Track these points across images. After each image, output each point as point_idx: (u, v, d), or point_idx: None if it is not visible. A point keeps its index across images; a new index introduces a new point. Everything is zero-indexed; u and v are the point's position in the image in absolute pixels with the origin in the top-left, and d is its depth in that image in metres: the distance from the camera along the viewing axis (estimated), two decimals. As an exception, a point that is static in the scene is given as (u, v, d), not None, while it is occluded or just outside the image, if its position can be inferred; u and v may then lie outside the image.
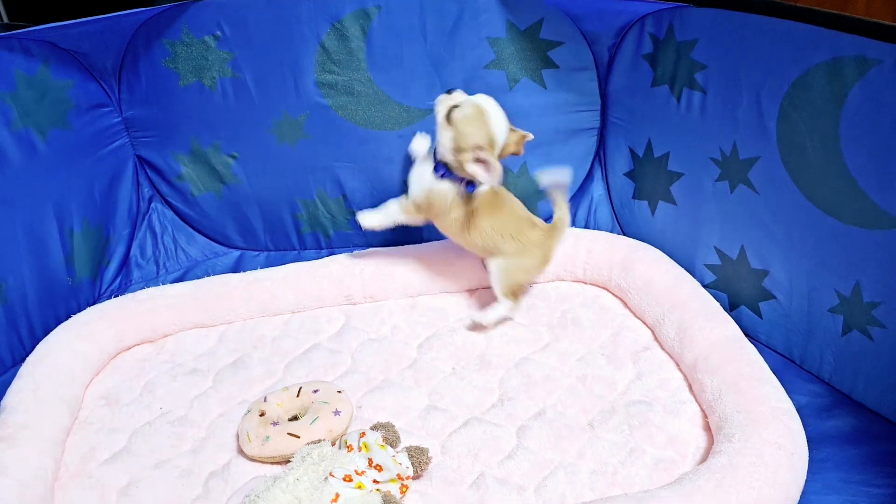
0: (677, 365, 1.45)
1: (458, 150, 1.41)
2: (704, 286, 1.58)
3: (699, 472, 1.14)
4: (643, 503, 1.10)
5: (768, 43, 1.31)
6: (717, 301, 1.52)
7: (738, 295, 1.54)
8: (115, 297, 1.72)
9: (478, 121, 1.40)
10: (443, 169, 1.46)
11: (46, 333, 1.57)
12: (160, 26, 1.66)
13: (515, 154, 1.48)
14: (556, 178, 1.53)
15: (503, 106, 1.66)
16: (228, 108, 1.73)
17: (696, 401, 1.36)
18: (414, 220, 1.56)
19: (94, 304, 1.70)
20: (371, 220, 1.57)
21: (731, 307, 1.56)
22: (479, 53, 1.66)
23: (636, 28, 1.58)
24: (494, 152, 1.41)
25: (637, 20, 1.57)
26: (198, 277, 1.77)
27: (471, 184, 1.45)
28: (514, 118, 1.69)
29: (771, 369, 1.34)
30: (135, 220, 1.88)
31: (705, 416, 1.32)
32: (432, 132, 1.69)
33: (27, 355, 1.50)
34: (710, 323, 1.44)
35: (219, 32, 1.65)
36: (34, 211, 1.61)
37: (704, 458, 1.24)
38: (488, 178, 1.38)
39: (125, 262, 1.86)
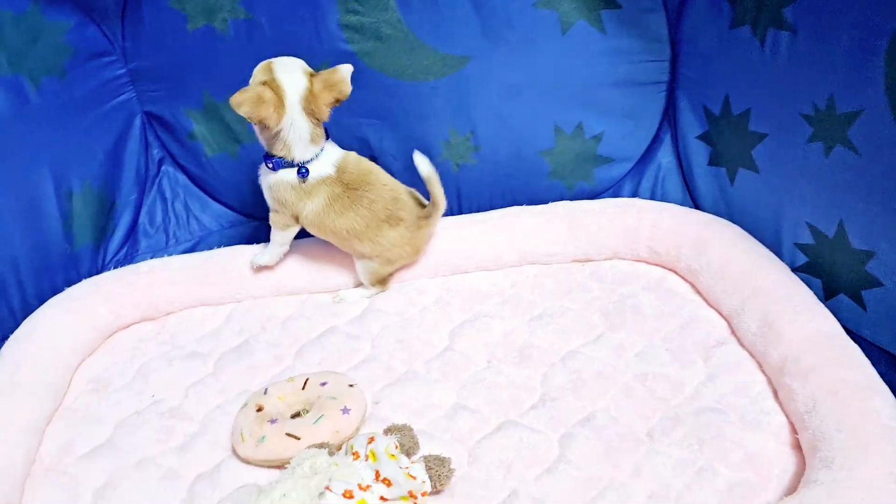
0: (759, 366, 1.31)
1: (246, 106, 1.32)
2: (794, 270, 1.44)
3: (788, 506, 0.97)
4: (715, 544, 0.92)
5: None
6: (810, 288, 1.38)
7: (835, 281, 1.38)
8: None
9: (262, 70, 1.38)
10: (271, 159, 1.40)
11: (42, 307, 1.51)
12: (165, -39, 1.54)
13: (342, 96, 1.37)
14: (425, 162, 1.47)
15: (552, 51, 1.54)
16: (243, 55, 1.57)
17: (784, 412, 1.21)
18: (293, 230, 1.49)
19: (97, 275, 1.61)
20: (262, 259, 1.53)
21: (826, 296, 1.40)
22: (528, -11, 1.50)
23: (715, -42, 1.41)
24: (284, 97, 1.34)
25: (717, -53, 1.40)
26: (211, 249, 1.67)
27: (303, 168, 1.39)
28: (565, 69, 1.57)
29: (880, 374, 1.17)
30: (143, 184, 1.78)
31: (795, 432, 1.17)
32: (465, 91, 1.56)
33: (19, 331, 1.44)
34: (802, 315, 1.30)
35: (229, -34, 1.52)
36: (27, 170, 1.51)
37: (793, 485, 1.08)
38: (253, 114, 1.31)
39: (132, 230, 1.76)
